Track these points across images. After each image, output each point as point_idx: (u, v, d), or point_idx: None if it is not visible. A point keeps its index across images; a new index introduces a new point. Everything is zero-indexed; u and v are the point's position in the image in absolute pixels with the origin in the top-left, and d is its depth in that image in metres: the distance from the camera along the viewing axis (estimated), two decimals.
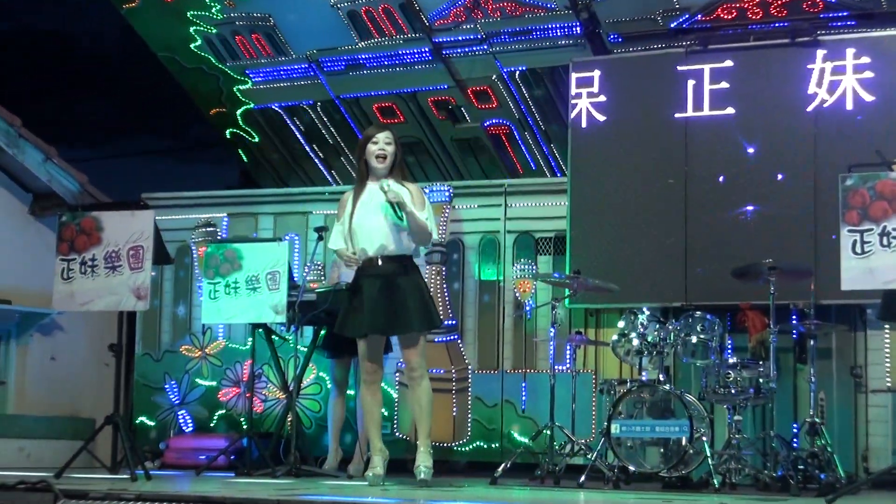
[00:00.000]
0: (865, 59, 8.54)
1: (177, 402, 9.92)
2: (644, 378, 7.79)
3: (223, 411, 9.80)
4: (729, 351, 8.15)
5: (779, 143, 8.67)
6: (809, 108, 8.63)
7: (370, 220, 6.69)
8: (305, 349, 8.46)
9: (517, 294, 9.30)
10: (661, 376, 7.69)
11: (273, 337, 8.34)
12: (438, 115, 10.78)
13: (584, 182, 9.13)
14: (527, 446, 8.29)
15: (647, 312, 7.89)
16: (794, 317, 8.41)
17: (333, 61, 10.74)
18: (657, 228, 8.87)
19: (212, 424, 9.81)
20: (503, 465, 7.80)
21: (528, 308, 9.21)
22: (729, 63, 8.83)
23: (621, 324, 7.96)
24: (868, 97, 8.53)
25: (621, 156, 9.06)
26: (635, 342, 7.81)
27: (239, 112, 11.37)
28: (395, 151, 6.75)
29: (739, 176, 8.73)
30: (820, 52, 8.64)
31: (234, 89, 11.21)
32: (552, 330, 8.08)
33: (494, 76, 10.36)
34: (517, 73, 10.27)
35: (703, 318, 7.78)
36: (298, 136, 11.45)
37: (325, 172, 11.66)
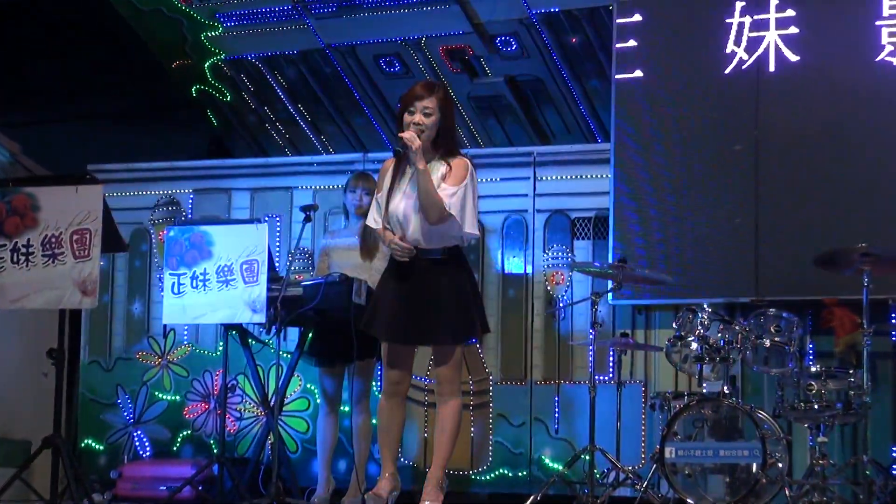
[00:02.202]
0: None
1: (131, 420, 9.92)
2: (705, 390, 7.75)
3: (189, 432, 9.80)
4: (811, 357, 8.11)
5: (869, 102, 8.64)
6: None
7: (407, 202, 6.63)
8: (289, 356, 8.44)
9: (549, 288, 9.28)
10: (726, 388, 7.65)
11: (250, 341, 8.32)
12: (452, 68, 10.74)
13: (631, 149, 9.12)
14: (561, 474, 8.28)
15: (709, 310, 7.86)
16: (893, 315, 8.38)
17: (323, 2, 10.69)
18: (721, 206, 8.85)
19: (175, 448, 9.81)
20: (532, 497, 7.79)
21: (562, 305, 9.18)
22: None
23: (677, 324, 7.92)
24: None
25: (677, 117, 9.05)
26: (694, 346, 7.79)
27: (207, 65, 11.34)
28: (436, 123, 6.65)
29: (824, 142, 8.69)
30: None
31: (202, 37, 11.17)
32: (592, 332, 8.06)
33: (521, 19, 10.31)
34: (549, 15, 10.22)
35: (779, 317, 7.76)
36: (280, 93, 11.42)
37: (314, 139, 11.62)
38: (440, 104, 6.62)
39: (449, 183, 6.56)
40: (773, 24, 8.87)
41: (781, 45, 8.83)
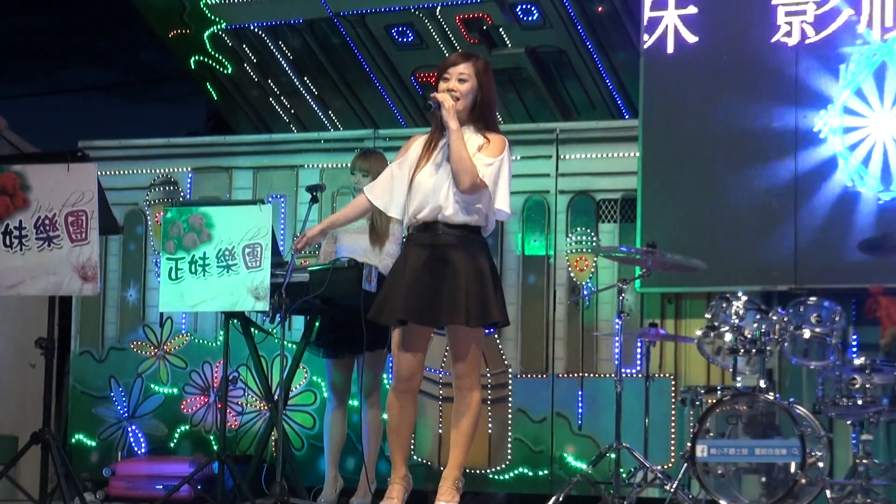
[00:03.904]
0: None
1: (126, 414, 9.95)
2: (739, 384, 7.76)
3: (187, 427, 9.84)
4: (854, 349, 8.10)
5: None
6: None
7: (435, 176, 6.63)
8: (295, 346, 8.47)
9: (572, 274, 9.28)
10: (762, 382, 7.67)
11: (252, 330, 8.34)
12: (469, 38, 10.73)
13: (661, 126, 9.12)
14: (585, 474, 8.29)
15: (744, 298, 7.87)
16: None
17: None
18: (758, 186, 8.84)
19: (172, 444, 9.85)
20: (554, 498, 7.80)
21: (586, 293, 9.19)
22: None
23: (709, 313, 7.93)
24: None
25: (709, 91, 9.04)
26: (728, 337, 7.81)
27: (207, 34, 11.35)
28: (473, 89, 6.66)
29: None
30: None
31: (201, 4, 11.18)
32: (618, 321, 8.08)
33: None
34: None
35: (820, 306, 7.77)
36: (285, 65, 11.43)
37: (321, 114, 11.63)
38: (477, 73, 6.63)
39: (486, 153, 6.58)
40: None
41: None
